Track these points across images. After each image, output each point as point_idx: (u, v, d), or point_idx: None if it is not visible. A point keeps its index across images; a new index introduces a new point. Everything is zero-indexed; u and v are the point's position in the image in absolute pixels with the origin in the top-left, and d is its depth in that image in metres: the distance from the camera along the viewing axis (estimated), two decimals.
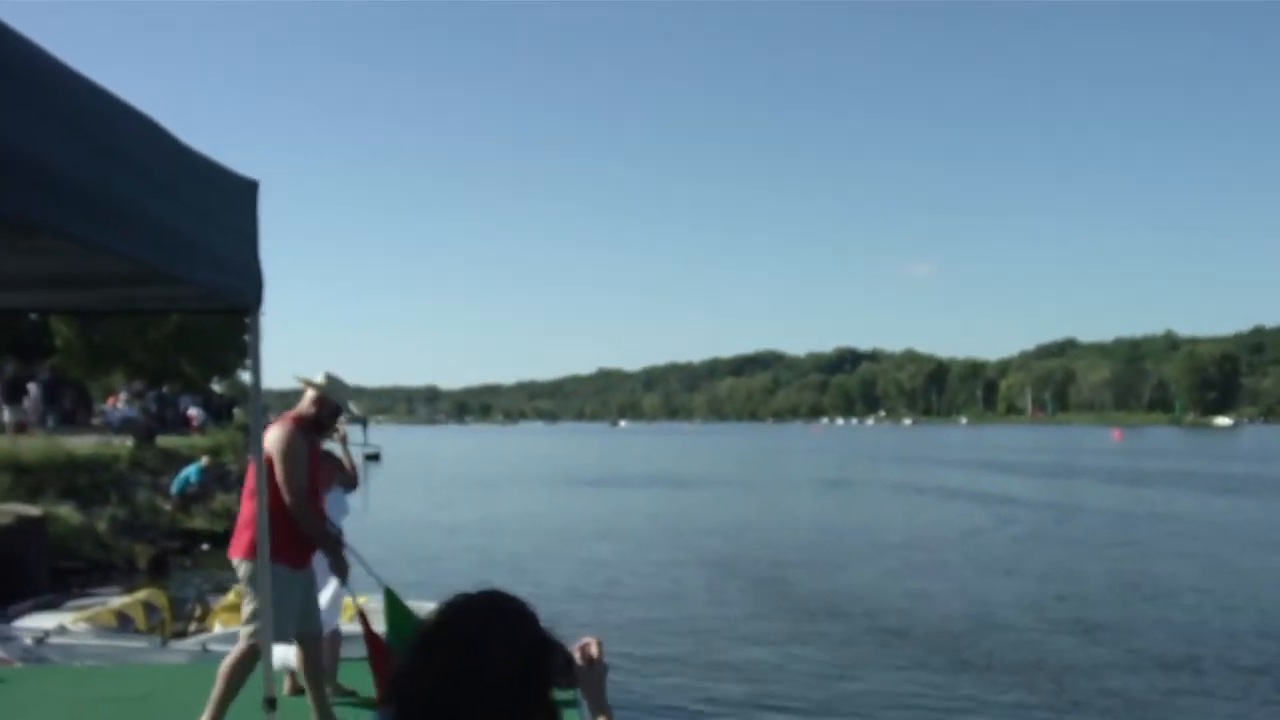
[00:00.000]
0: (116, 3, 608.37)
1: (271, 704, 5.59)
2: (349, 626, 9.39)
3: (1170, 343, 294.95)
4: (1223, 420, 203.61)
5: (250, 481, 6.69)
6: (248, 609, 6.63)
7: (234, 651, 6.67)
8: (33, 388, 36.33)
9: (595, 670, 2.62)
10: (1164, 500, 38.32)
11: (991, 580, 20.74)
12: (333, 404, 7.13)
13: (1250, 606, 17.81)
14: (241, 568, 6.70)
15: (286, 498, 6.55)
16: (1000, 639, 15.17)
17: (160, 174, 3.37)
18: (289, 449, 6.62)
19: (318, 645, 7.10)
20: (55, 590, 13.99)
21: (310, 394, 7.04)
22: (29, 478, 21.94)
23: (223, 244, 4.01)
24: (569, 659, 2.52)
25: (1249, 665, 13.73)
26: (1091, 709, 11.77)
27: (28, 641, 10.13)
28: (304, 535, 6.69)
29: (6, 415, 32.69)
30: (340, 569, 7.22)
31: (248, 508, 6.69)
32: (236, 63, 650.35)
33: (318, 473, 7.03)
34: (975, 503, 37.87)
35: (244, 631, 6.68)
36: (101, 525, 22.05)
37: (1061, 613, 17.21)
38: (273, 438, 6.65)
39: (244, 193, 4.33)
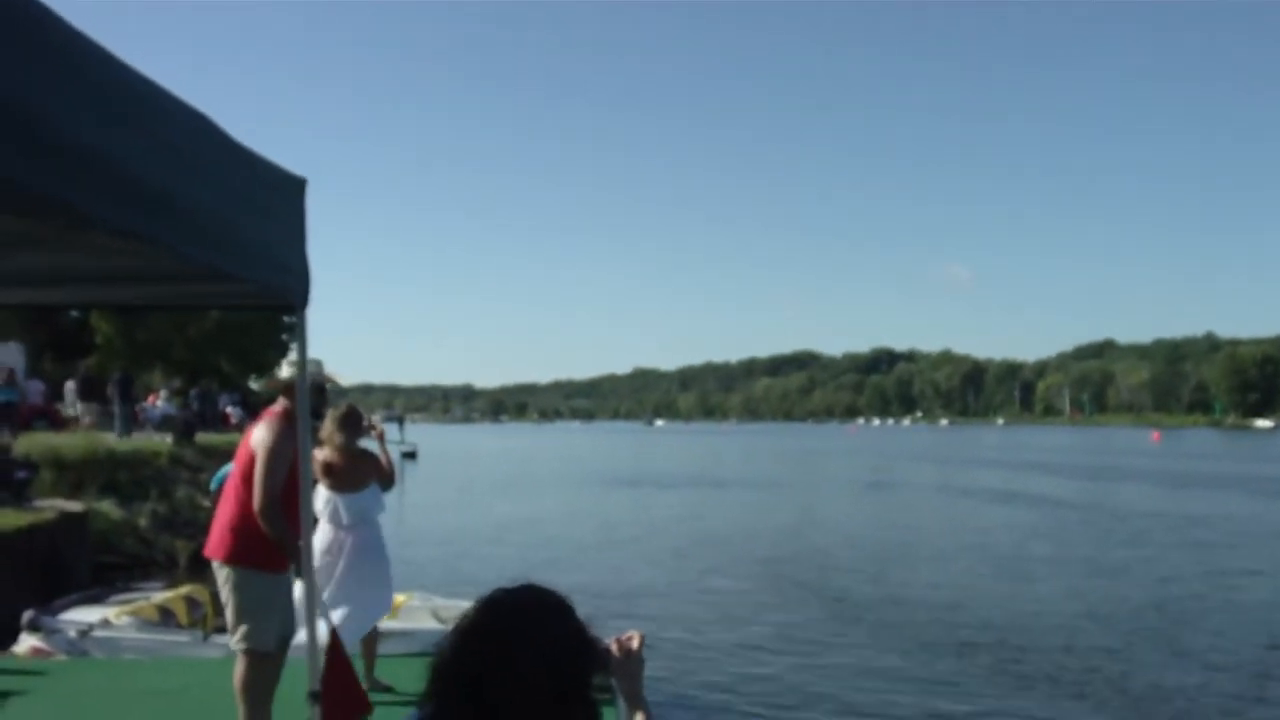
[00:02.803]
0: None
1: (316, 697, 5.56)
2: (387, 623, 9.46)
3: (1210, 344, 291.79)
4: (1263, 422, 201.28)
5: (235, 476, 6.60)
6: (232, 618, 6.43)
7: (237, 670, 6.49)
8: (71, 385, 36.83)
9: (632, 663, 2.60)
10: (1205, 503, 37.96)
11: (1037, 585, 20.55)
12: (315, 385, 6.97)
13: None
14: (221, 571, 6.50)
15: (258, 496, 6.28)
16: (1043, 646, 14.96)
17: (213, 170, 3.39)
18: (274, 447, 6.33)
19: (283, 657, 6.68)
20: (98, 585, 14.11)
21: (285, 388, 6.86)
22: (70, 474, 22.14)
23: (273, 241, 4.03)
24: (607, 651, 2.54)
25: None
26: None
27: (71, 634, 10.24)
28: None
29: (80, 411, 33.48)
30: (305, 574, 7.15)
31: (229, 507, 6.55)
32: (279, 55, 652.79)
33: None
34: (1016, 504, 37.60)
35: (233, 642, 6.50)
36: (142, 521, 22.24)
37: (1112, 619, 17.00)
38: (259, 434, 6.46)
39: (293, 190, 4.34)
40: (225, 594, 6.52)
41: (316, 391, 7.11)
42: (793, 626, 16.42)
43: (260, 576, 6.38)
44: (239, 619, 6.42)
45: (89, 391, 34.88)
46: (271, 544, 6.32)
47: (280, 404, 6.78)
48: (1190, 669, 13.66)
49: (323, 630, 7.24)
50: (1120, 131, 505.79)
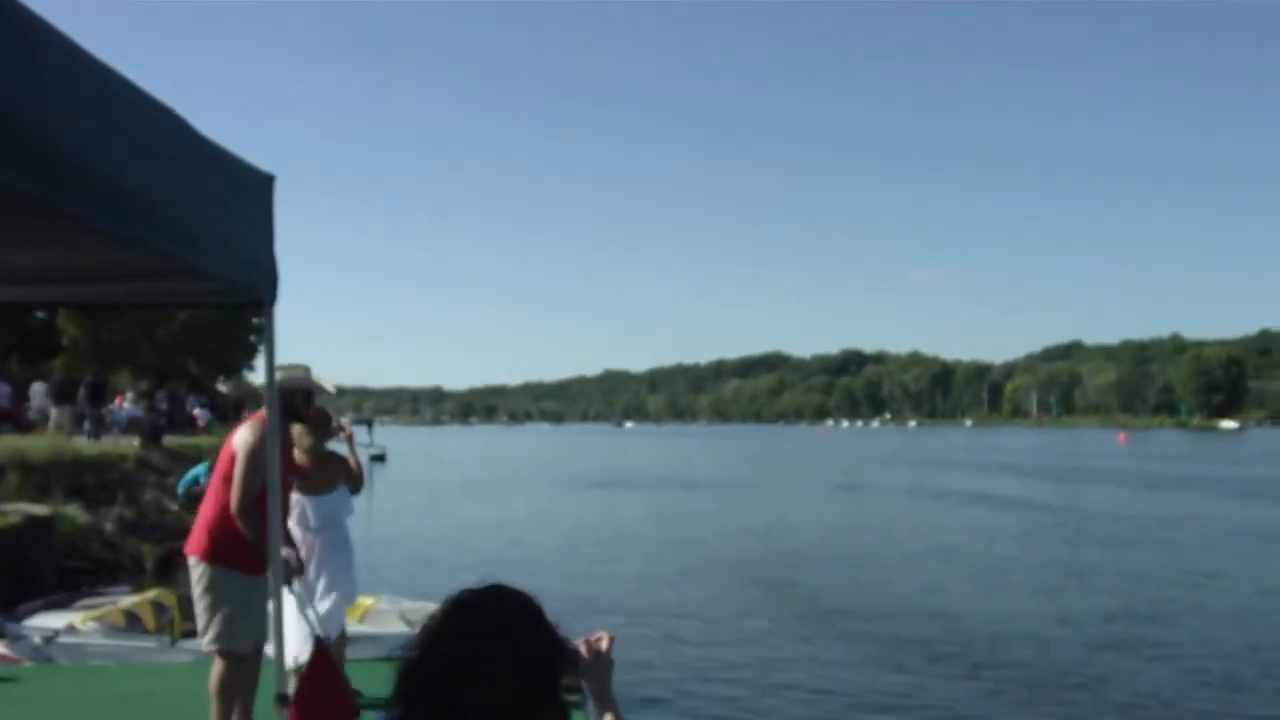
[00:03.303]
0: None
1: (284, 700, 5.55)
2: (355, 626, 9.43)
3: (1176, 345, 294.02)
4: (1228, 424, 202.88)
5: (217, 477, 6.63)
6: (203, 617, 6.43)
7: (213, 673, 6.46)
8: (38, 387, 36.60)
9: (601, 664, 2.58)
10: (1173, 504, 38.22)
11: (1007, 586, 20.65)
12: (296, 389, 7.09)
13: (1263, 612, 17.85)
14: (197, 569, 6.50)
15: (235, 497, 6.33)
16: (1015, 649, 14.98)
17: (182, 165, 3.37)
18: (255, 449, 6.32)
19: (258, 661, 6.69)
20: (63, 590, 14.02)
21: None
22: (36, 477, 21.97)
23: (241, 237, 4.01)
24: (576, 653, 2.53)
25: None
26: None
27: (36, 640, 10.17)
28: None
29: (54, 415, 33.42)
30: (284, 574, 7.19)
31: (209, 507, 6.57)
32: (245, 53, 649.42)
33: (283, 474, 6.91)
34: (986, 506, 37.75)
35: (205, 643, 6.49)
36: (108, 525, 22.08)
37: (1084, 622, 17.04)
38: (241, 436, 6.49)
39: (261, 186, 4.32)
40: (199, 593, 6.51)
41: (304, 396, 7.15)
42: (763, 629, 16.42)
43: (236, 577, 6.38)
44: (212, 619, 6.41)
45: (63, 395, 34.81)
46: (249, 546, 6.30)
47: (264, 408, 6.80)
48: (1164, 672, 13.70)
49: (300, 633, 7.25)
50: (1088, 133, 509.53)
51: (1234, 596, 19.32)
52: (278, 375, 6.90)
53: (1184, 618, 17.27)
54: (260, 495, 6.22)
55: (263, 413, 6.67)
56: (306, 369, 7.29)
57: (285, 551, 7.20)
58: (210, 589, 6.42)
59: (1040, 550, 25.59)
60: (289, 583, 7.15)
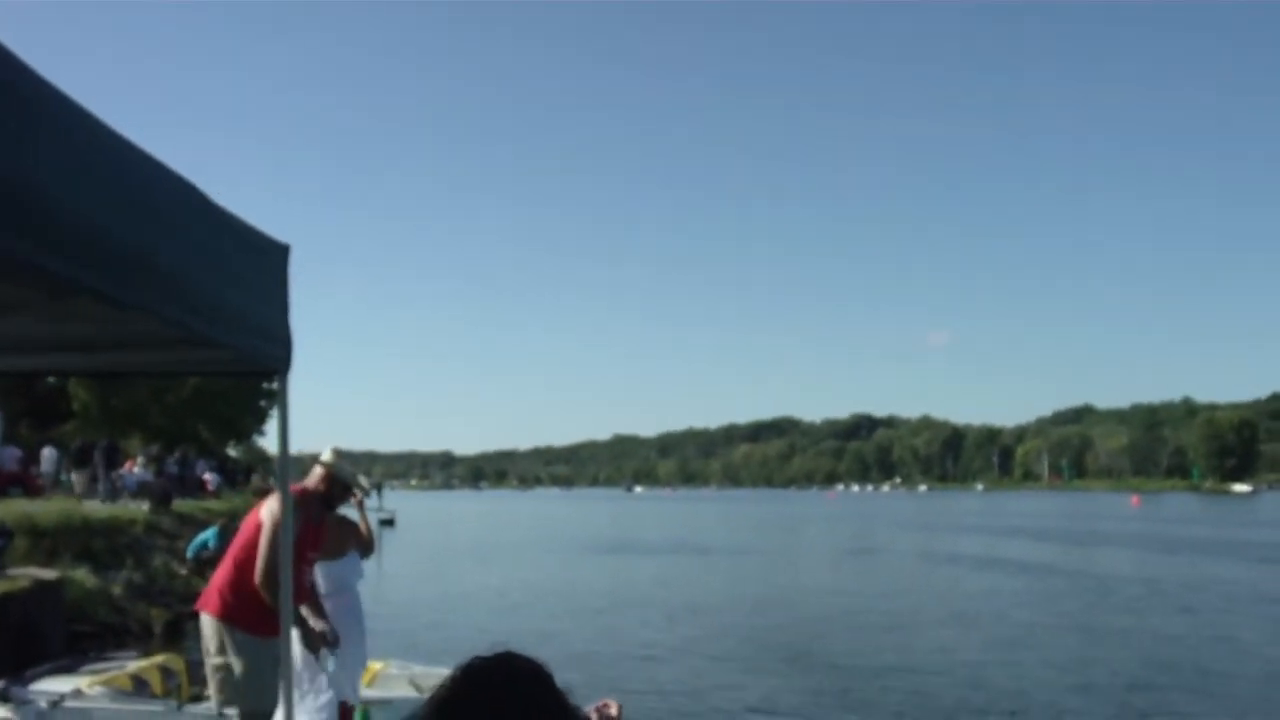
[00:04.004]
0: (139, 54, 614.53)
1: None
2: (365, 691, 9.38)
3: (1188, 409, 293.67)
4: (1241, 487, 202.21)
5: (240, 540, 6.78)
6: (214, 677, 6.52)
7: None
8: (49, 451, 36.79)
9: None
10: (1189, 568, 37.95)
11: (1026, 652, 20.35)
12: (342, 481, 7.23)
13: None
14: (209, 627, 6.61)
15: (260, 568, 6.46)
16: (1038, 716, 14.94)
17: (196, 236, 3.39)
18: (281, 522, 6.51)
19: None
20: (70, 654, 13.96)
21: (318, 470, 7.16)
22: (45, 541, 21.97)
23: (255, 307, 4.03)
24: None
25: None
26: None
27: (43, 705, 10.09)
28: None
29: (74, 480, 33.83)
30: (313, 641, 7.26)
31: (228, 570, 6.70)
32: (259, 120, 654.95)
33: (306, 548, 6.98)
34: (1000, 571, 37.48)
35: (215, 705, 6.62)
36: (117, 589, 22.04)
37: (1102, 688, 16.88)
38: (270, 506, 6.60)
39: (276, 256, 4.34)
40: (211, 651, 6.57)
41: (343, 489, 7.31)
42: (775, 697, 16.26)
43: (249, 639, 6.42)
44: (224, 680, 6.43)
45: (79, 459, 35.44)
46: (263, 610, 6.38)
47: (303, 482, 7.09)
48: None
49: (317, 702, 7.28)
50: (1097, 196, 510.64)
51: (1257, 662, 19.12)
52: (331, 459, 7.11)
53: (1207, 683, 17.06)
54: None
55: (299, 486, 6.83)
56: (348, 464, 7.49)
57: (319, 624, 7.25)
58: (222, 650, 6.46)
59: (1058, 616, 25.33)
60: (319, 651, 7.27)
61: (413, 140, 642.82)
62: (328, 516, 8.20)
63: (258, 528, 6.63)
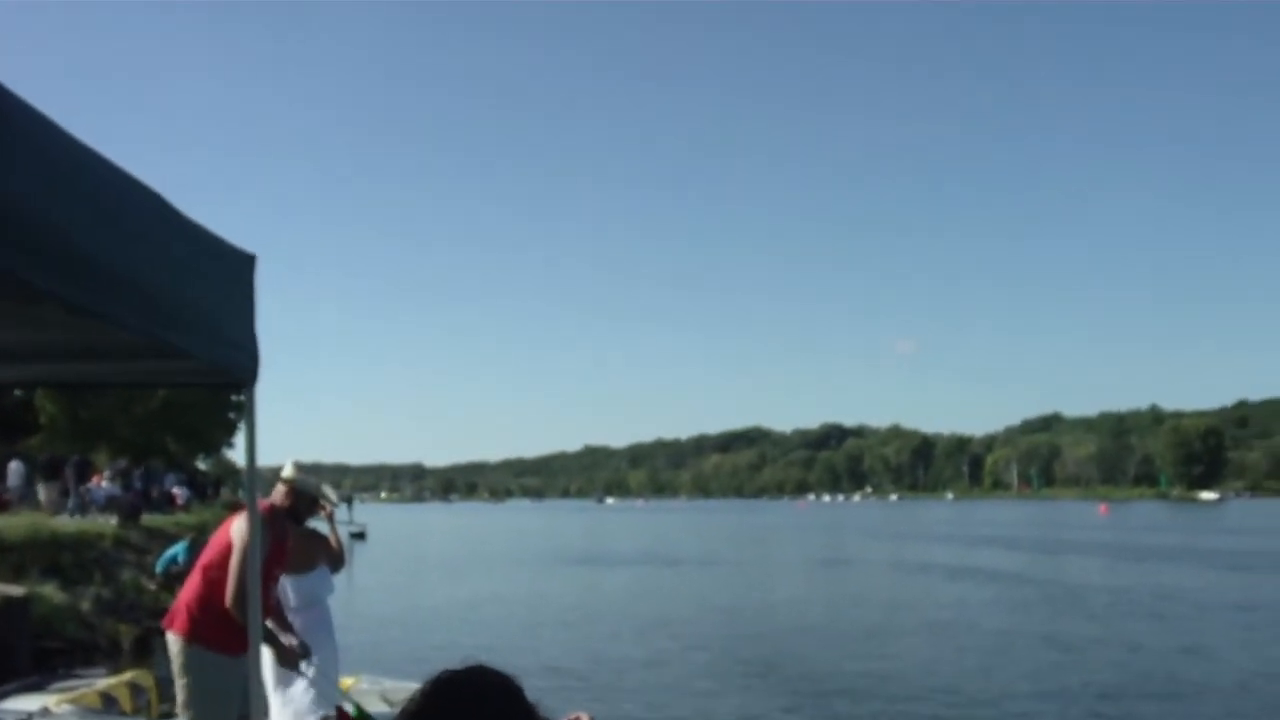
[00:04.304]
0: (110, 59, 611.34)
1: None
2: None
3: (1155, 417, 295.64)
4: (1208, 495, 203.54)
5: (207, 557, 6.75)
6: (182, 694, 6.47)
7: None
8: (15, 465, 36.53)
9: None
10: (1156, 576, 38.18)
11: (998, 661, 20.45)
12: (308, 494, 7.23)
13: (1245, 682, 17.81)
14: (175, 645, 6.59)
15: (231, 589, 6.42)
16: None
17: (162, 245, 3.39)
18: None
19: None
20: (39, 671, 13.86)
21: (281, 486, 7.15)
22: (12, 556, 21.81)
23: (222, 317, 4.02)
24: None
25: None
26: None
27: None
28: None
29: (43, 494, 33.69)
30: (286, 657, 7.27)
31: (195, 587, 6.67)
32: (223, 125, 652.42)
33: (273, 564, 6.95)
34: (971, 580, 37.60)
35: None
36: (85, 605, 21.88)
37: (1074, 696, 17.02)
38: (239, 526, 6.54)
39: (243, 266, 4.33)
40: (178, 670, 6.55)
41: (310, 502, 7.29)
42: (747, 708, 16.25)
43: (217, 658, 6.40)
44: (191, 698, 6.42)
45: (51, 474, 35.33)
46: (232, 628, 6.34)
47: (269, 499, 7.03)
48: None
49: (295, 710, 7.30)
50: (1065, 204, 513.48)
51: (1227, 670, 19.23)
52: (293, 474, 7.09)
53: (1178, 690, 17.18)
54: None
55: (266, 502, 6.81)
56: (315, 477, 7.45)
57: (289, 638, 7.24)
58: (189, 668, 6.44)
59: (1030, 625, 25.44)
60: (296, 666, 7.27)
61: (381, 148, 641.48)
62: (295, 530, 8.19)
63: (226, 545, 6.59)
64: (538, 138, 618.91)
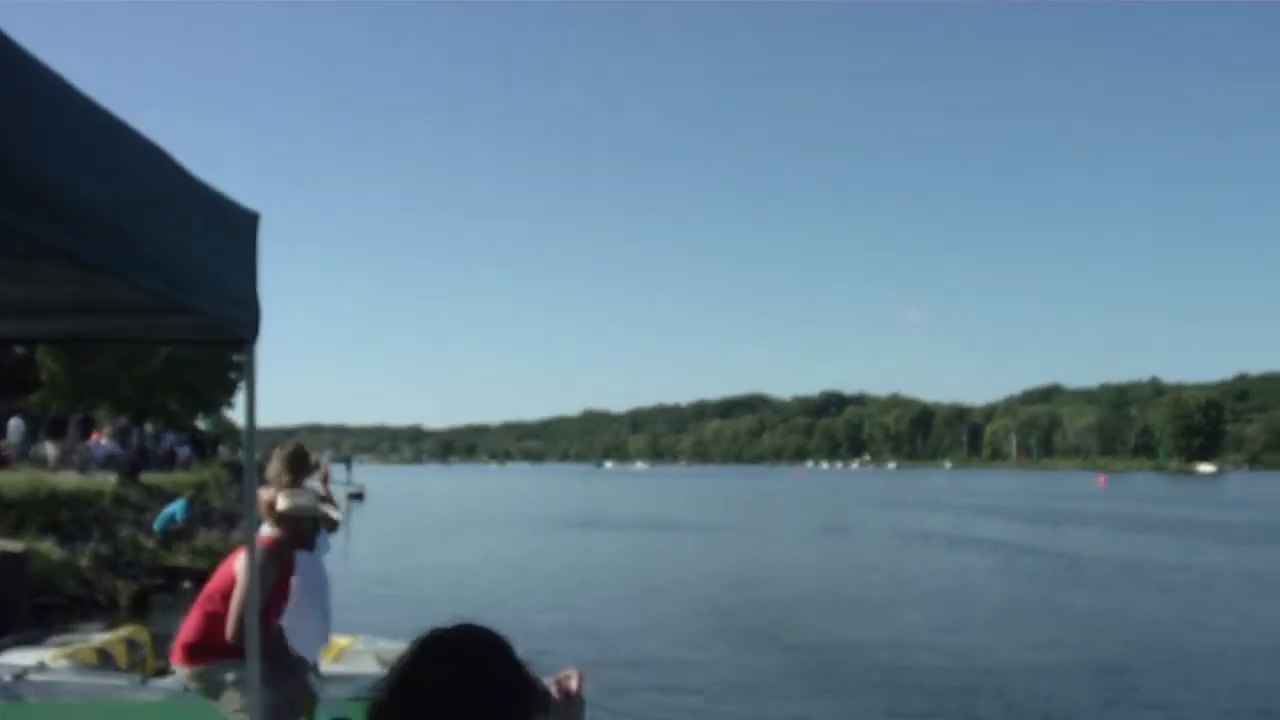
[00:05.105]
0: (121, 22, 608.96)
1: None
2: (330, 666, 9.39)
3: (1155, 389, 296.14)
4: (1206, 467, 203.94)
5: (209, 591, 6.76)
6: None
7: None
8: (15, 422, 36.57)
9: (573, 704, 2.56)
10: (1156, 547, 38.33)
11: (998, 631, 20.49)
12: (309, 519, 7.12)
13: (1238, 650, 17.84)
14: (187, 674, 6.69)
15: (231, 626, 6.43)
16: (1003, 695, 14.93)
17: (166, 201, 3.37)
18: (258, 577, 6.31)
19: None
20: (37, 627, 13.89)
21: (275, 522, 6.95)
22: (11, 513, 21.86)
23: (226, 274, 4.01)
24: (546, 693, 2.50)
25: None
26: None
27: (6, 678, 10.05)
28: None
29: (50, 451, 33.86)
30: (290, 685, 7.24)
31: (196, 621, 6.70)
32: (231, 89, 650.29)
33: (279, 598, 6.93)
34: (969, 549, 37.73)
35: None
36: (84, 561, 21.93)
37: (1064, 659, 17.14)
38: (244, 563, 6.37)
39: (246, 223, 4.32)
40: (221, 703, 6.58)
41: (312, 524, 7.19)
42: (741, 672, 16.32)
43: (229, 661, 6.42)
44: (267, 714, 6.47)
45: (56, 430, 35.70)
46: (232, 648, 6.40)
47: (272, 531, 6.92)
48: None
49: None
50: (1069, 177, 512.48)
51: (1225, 639, 19.30)
52: (288, 505, 6.96)
53: (1180, 660, 17.22)
54: (266, 608, 6.37)
55: (270, 537, 6.79)
56: (313, 496, 7.35)
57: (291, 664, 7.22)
58: (219, 686, 6.50)
59: (1031, 594, 25.51)
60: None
61: (381, 113, 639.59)
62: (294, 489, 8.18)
63: (230, 580, 6.56)
64: (541, 103, 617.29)
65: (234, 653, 6.38)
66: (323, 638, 8.36)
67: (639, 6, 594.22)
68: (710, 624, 20.97)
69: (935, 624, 21.06)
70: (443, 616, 2.32)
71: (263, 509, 7.85)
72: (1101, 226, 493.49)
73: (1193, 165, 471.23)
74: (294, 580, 7.89)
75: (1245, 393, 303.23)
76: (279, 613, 7.11)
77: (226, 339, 4.75)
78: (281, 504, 6.97)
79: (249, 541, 5.37)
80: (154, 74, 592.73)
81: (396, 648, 10.22)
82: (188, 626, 6.76)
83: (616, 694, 14.01)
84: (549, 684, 2.52)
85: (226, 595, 6.58)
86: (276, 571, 6.68)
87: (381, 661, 10.08)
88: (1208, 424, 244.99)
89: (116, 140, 3.00)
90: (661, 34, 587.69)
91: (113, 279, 3.05)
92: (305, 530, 7.09)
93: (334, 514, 7.84)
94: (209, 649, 6.59)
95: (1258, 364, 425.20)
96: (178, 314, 4.09)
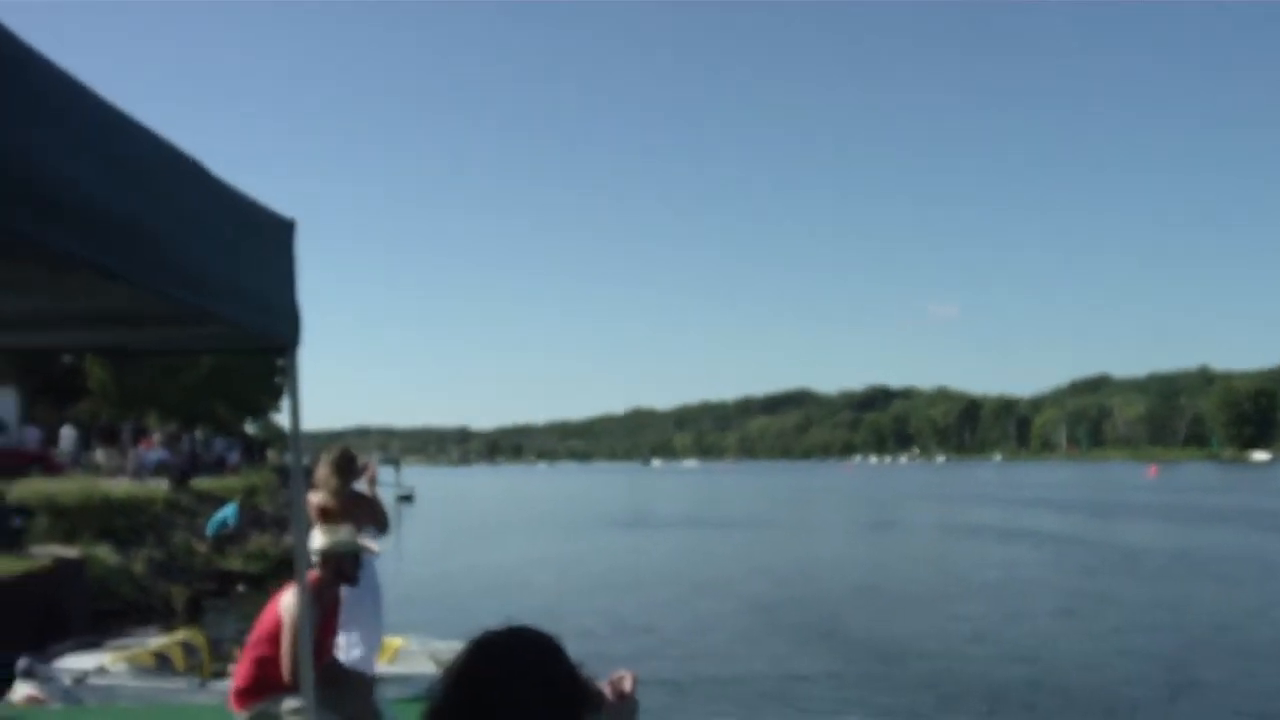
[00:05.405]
0: (144, 29, 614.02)
1: None
2: (384, 668, 9.44)
3: (1205, 377, 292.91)
4: (1260, 455, 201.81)
5: (256, 635, 6.78)
6: None
7: None
8: (67, 430, 37.02)
9: (627, 706, 2.55)
10: (1209, 537, 37.89)
11: (1056, 625, 20.28)
12: (351, 554, 7.05)
13: None
14: (242, 719, 6.72)
15: (285, 665, 6.43)
16: (1063, 682, 14.84)
17: (200, 211, 3.37)
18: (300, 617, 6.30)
19: None
20: (95, 632, 14.03)
21: (317, 558, 6.92)
22: (65, 520, 22.09)
23: (261, 282, 4.00)
24: (599, 694, 2.51)
25: None
26: None
27: (66, 682, 10.17)
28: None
29: (101, 458, 34.24)
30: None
31: (248, 669, 6.72)
32: (272, 92, 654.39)
33: (326, 634, 6.96)
34: (1021, 542, 37.42)
35: None
36: (138, 567, 22.17)
37: (1122, 651, 16.96)
38: (288, 602, 6.47)
39: (282, 231, 4.32)
40: None
41: (353, 560, 7.12)
42: (794, 671, 16.17)
43: (288, 697, 6.47)
44: None
45: (108, 439, 36.17)
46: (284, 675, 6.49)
47: (313, 569, 6.84)
48: (1204, 712, 13.52)
49: None
50: (1110, 166, 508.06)
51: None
52: (325, 543, 6.93)
53: (1241, 652, 16.95)
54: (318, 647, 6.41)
55: (311, 576, 6.74)
56: (352, 531, 7.26)
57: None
58: (288, 714, 6.54)
59: (1083, 586, 25.24)
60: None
61: (430, 116, 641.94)
62: (343, 493, 8.24)
63: (275, 623, 6.57)
64: (584, 111, 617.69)
65: (289, 690, 6.44)
66: (376, 645, 8.41)
67: (672, 8, 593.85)
68: (762, 622, 20.90)
69: (989, 617, 20.86)
70: (494, 617, 2.33)
71: (312, 513, 7.91)
72: (1144, 212, 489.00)
73: (1238, 152, 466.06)
74: (344, 592, 7.92)
75: None
76: (329, 650, 7.13)
77: (267, 347, 4.78)
78: (318, 543, 6.93)
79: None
80: (203, 73, 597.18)
81: (450, 647, 10.32)
82: (239, 673, 6.79)
83: (670, 694, 14.00)
84: (603, 686, 2.54)
85: (274, 637, 6.59)
86: (320, 611, 6.62)
87: (436, 661, 10.13)
88: (1258, 412, 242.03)
89: (144, 149, 3.01)
90: (688, 37, 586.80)
91: (145, 290, 3.05)
92: (346, 566, 7.02)
93: (374, 546, 7.77)
94: (263, 689, 6.62)
95: None
96: (217, 324, 4.08)
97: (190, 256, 3.27)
